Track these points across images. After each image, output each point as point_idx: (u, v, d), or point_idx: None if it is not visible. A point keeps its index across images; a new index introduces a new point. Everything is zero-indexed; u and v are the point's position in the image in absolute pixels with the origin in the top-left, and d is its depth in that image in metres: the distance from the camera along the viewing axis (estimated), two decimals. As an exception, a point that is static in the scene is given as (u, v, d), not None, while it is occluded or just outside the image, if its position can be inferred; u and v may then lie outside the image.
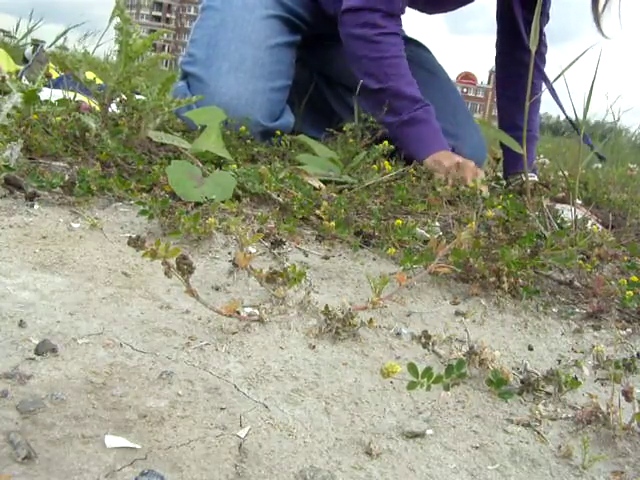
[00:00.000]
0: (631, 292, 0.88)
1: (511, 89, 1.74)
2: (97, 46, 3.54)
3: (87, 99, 1.44)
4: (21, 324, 0.58)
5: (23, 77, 1.92)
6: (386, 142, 1.48)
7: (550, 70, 1.68)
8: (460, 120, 1.79)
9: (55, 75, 1.79)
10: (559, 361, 0.73)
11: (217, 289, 0.76)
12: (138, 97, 1.29)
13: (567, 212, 1.25)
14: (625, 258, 1.09)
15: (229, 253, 0.86)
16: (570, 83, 1.24)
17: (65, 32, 3.45)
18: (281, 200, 1.05)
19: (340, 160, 1.36)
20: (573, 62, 1.17)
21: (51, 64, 1.77)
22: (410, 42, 1.90)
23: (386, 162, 1.37)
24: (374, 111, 1.61)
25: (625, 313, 0.88)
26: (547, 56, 1.77)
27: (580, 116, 1.30)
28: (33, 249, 0.76)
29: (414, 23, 1.97)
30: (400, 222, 1.00)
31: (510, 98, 1.75)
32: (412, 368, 0.55)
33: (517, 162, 1.72)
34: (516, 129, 1.69)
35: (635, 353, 0.78)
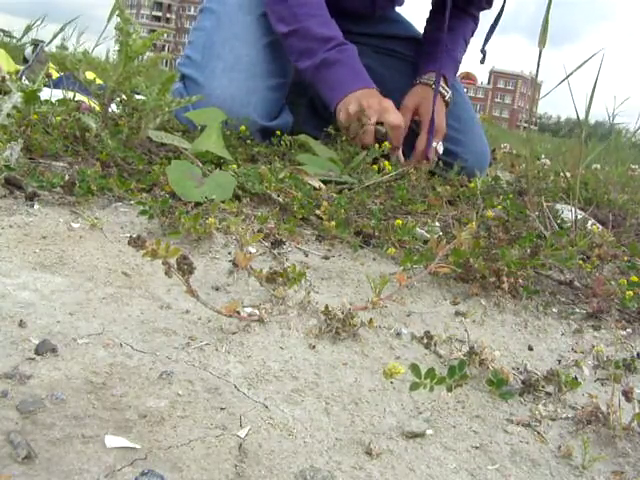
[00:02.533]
0: (631, 292, 0.88)
1: (438, 27, 1.74)
2: (96, 45, 3.53)
3: (87, 99, 1.44)
4: (21, 324, 0.58)
5: (23, 77, 1.92)
6: (386, 143, 1.48)
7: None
8: (464, 126, 1.77)
9: (55, 75, 1.79)
10: (559, 361, 0.73)
11: (217, 289, 0.76)
12: (138, 97, 1.29)
13: (567, 212, 1.25)
14: (625, 258, 1.10)
15: (229, 253, 0.86)
16: (574, 83, 1.24)
17: (62, 29, 3.44)
18: (281, 200, 1.05)
19: (340, 160, 1.36)
20: (576, 69, 1.17)
21: (51, 64, 1.77)
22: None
23: (386, 162, 1.37)
24: (292, 59, 1.53)
25: (625, 313, 0.88)
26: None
27: (582, 115, 1.30)
28: (33, 249, 0.76)
29: (416, 23, 1.98)
30: (400, 222, 1.00)
31: (438, 28, 1.73)
32: (415, 369, 0.55)
33: (429, 61, 1.68)
34: (435, 44, 1.70)
35: (635, 353, 0.78)
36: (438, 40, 1.72)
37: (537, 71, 1.21)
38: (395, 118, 1.47)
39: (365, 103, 1.45)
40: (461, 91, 1.88)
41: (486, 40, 1.64)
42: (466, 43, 1.81)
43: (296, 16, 1.48)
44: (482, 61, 1.71)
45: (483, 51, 1.66)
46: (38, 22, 3.63)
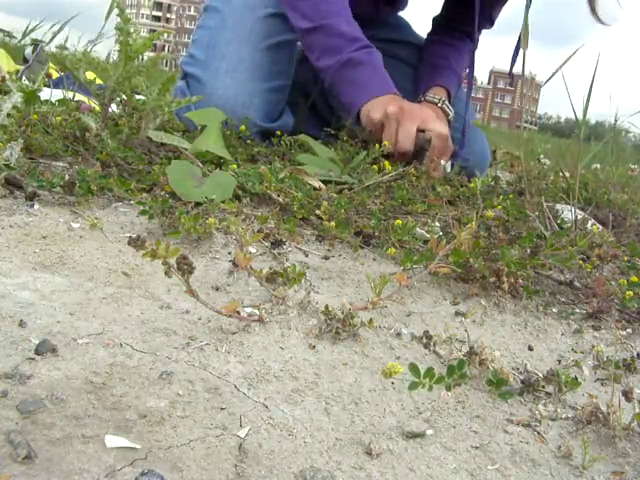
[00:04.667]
0: (631, 292, 0.88)
1: (445, 36, 1.79)
2: (94, 44, 3.52)
3: (87, 99, 1.44)
4: (21, 324, 0.58)
5: (23, 77, 1.92)
6: (387, 143, 1.48)
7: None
8: (463, 126, 1.77)
9: (55, 75, 1.79)
10: (559, 361, 0.73)
11: (217, 289, 0.76)
12: (138, 97, 1.29)
13: (567, 212, 1.25)
14: (625, 258, 1.10)
15: (229, 253, 0.86)
16: (573, 83, 1.24)
17: (61, 28, 3.44)
18: (281, 200, 1.05)
19: (340, 160, 1.36)
20: (566, 61, 1.17)
21: (51, 64, 1.77)
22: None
23: (386, 162, 1.37)
24: (312, 57, 1.49)
25: (625, 313, 0.88)
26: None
27: (580, 116, 1.30)
28: (33, 249, 0.76)
29: (418, 23, 2.01)
30: (400, 222, 1.00)
31: (441, 42, 1.78)
32: (414, 368, 0.55)
33: (434, 75, 1.69)
34: (439, 58, 1.74)
35: (635, 353, 0.78)
36: (442, 55, 1.74)
37: (522, 71, 1.21)
38: (443, 127, 1.43)
39: (406, 106, 1.41)
40: (462, 91, 1.88)
41: (512, 64, 1.60)
42: (466, 62, 1.83)
43: (321, 12, 1.46)
44: (511, 84, 1.69)
45: (510, 74, 1.64)
46: (38, 23, 3.64)
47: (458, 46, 1.79)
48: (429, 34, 1.88)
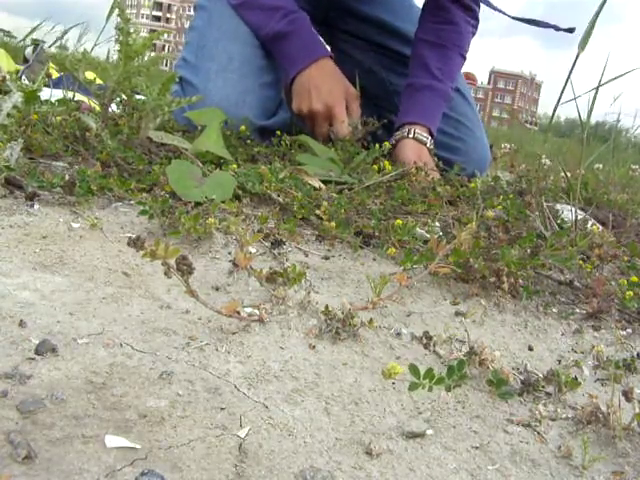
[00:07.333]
0: (631, 292, 0.88)
1: (431, 34, 1.63)
2: (95, 45, 3.51)
3: (87, 99, 1.45)
4: (21, 324, 0.58)
5: (23, 77, 1.92)
6: (387, 143, 1.48)
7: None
8: (463, 132, 1.70)
9: (55, 75, 1.79)
10: (559, 361, 0.73)
11: (217, 289, 0.76)
12: (138, 97, 1.29)
13: (567, 212, 1.25)
14: (625, 258, 1.10)
15: (229, 253, 0.86)
16: (577, 84, 1.23)
17: (65, 32, 3.44)
18: (281, 200, 1.05)
19: (340, 160, 1.36)
20: (572, 67, 1.16)
21: (51, 64, 1.77)
22: None
23: (386, 162, 1.37)
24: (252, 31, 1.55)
25: (625, 313, 0.88)
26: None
27: (584, 116, 1.29)
28: (33, 249, 0.76)
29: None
30: (400, 222, 1.00)
31: (427, 42, 1.63)
32: (414, 369, 0.55)
33: (409, 106, 1.59)
34: (421, 71, 1.61)
35: (635, 353, 0.78)
36: (423, 64, 1.61)
37: (569, 74, 1.17)
38: (342, 129, 1.50)
39: (315, 107, 1.50)
40: (464, 92, 1.77)
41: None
42: (463, 56, 1.68)
43: None
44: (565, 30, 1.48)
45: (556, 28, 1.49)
46: (42, 23, 3.62)
47: (447, 38, 1.62)
48: (419, 21, 1.67)
